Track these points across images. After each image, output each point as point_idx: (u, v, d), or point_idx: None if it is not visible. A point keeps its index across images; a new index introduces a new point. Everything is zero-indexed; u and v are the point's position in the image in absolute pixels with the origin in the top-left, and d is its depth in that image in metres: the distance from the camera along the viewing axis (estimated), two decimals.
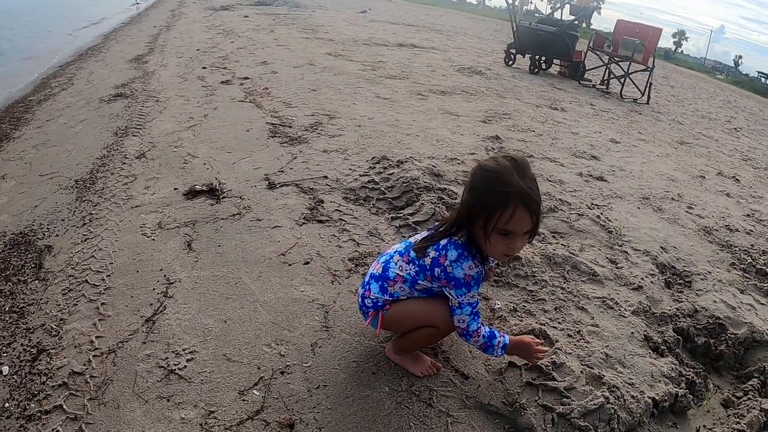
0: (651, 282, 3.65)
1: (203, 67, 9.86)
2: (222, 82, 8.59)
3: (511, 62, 14.44)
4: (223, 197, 4.24)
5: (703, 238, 4.60)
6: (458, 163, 5.31)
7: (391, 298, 2.43)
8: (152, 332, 2.60)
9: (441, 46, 15.54)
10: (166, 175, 4.77)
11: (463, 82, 10.27)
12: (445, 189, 4.53)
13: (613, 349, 2.95)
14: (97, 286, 3.03)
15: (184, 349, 2.47)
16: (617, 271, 3.78)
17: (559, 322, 3.18)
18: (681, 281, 3.80)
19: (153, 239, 3.54)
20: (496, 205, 2.09)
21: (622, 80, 13.24)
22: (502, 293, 3.42)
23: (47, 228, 3.89)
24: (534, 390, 2.60)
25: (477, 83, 10.33)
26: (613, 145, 7.43)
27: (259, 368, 2.39)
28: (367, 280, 2.49)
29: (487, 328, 2.39)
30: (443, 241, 2.28)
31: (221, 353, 2.44)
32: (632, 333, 3.11)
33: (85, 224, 3.86)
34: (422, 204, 4.27)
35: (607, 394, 2.57)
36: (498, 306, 3.28)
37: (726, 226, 4.94)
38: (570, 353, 2.87)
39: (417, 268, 2.37)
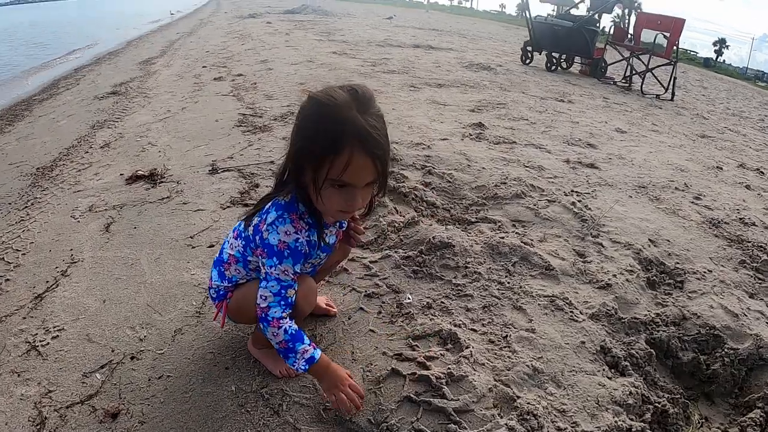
0: (626, 280, 2.91)
1: (203, 66, 9.90)
2: (215, 78, 8.54)
3: (528, 60, 13.48)
4: (161, 182, 4.13)
5: (707, 232, 3.79)
6: (423, 148, 4.75)
7: (230, 284, 2.07)
8: (36, 308, 2.53)
9: (459, 48, 14.83)
10: (119, 162, 4.71)
11: (467, 76, 9.62)
12: (392, 172, 3.91)
13: (547, 363, 2.24)
14: (9, 263, 2.99)
15: (54, 327, 2.37)
16: (583, 266, 3.04)
17: (483, 324, 2.47)
18: (670, 281, 3.04)
19: (78, 221, 3.47)
20: (327, 149, 1.62)
21: (642, 75, 11.98)
22: (420, 286, 2.75)
23: None
24: (414, 408, 1.94)
25: (481, 78, 9.67)
26: (617, 134, 6.60)
27: (112, 351, 2.21)
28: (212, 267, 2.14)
29: (296, 328, 1.86)
30: (268, 204, 1.87)
31: (85, 333, 2.32)
32: (582, 342, 2.40)
33: (26, 207, 3.86)
34: None
35: (514, 423, 1.87)
36: (408, 300, 2.60)
37: (740, 219, 4.08)
38: (482, 364, 2.18)
39: (244, 242, 1.99)
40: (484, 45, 17.85)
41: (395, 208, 3.50)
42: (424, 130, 5.57)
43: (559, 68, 13.22)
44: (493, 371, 2.14)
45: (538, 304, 2.65)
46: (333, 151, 1.60)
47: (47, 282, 2.74)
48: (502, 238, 3.16)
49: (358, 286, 2.72)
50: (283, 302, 1.83)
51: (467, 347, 2.23)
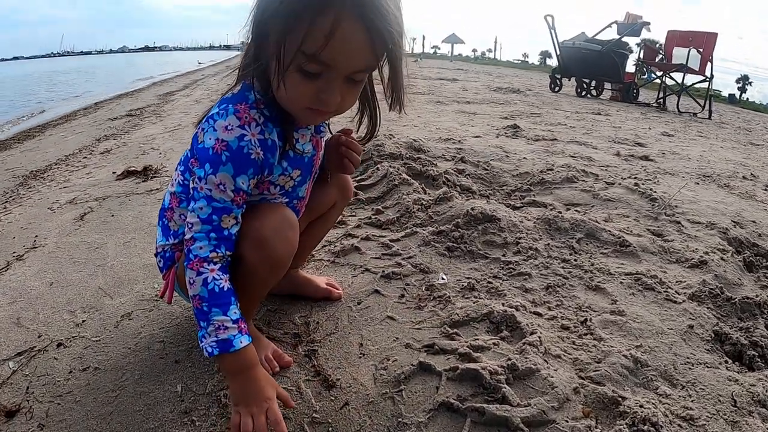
0: (721, 258, 2.21)
1: (222, 94, 9.12)
2: None
3: (557, 88, 12.79)
4: (154, 176, 3.66)
5: None
6: (453, 143, 4.10)
7: (176, 240, 1.45)
8: None
9: (485, 80, 14.19)
10: (115, 163, 4.29)
11: (496, 97, 9.05)
12: (418, 158, 3.23)
13: (651, 353, 1.51)
14: None
15: None
16: (664, 244, 2.31)
17: (549, 307, 1.73)
18: None
19: (54, 212, 3.04)
20: (305, 5, 1.04)
21: (678, 94, 11.18)
22: (457, 266, 2.02)
23: None
24: (456, 420, 1.21)
25: (510, 98, 9.07)
26: (664, 137, 5.97)
27: (39, 337, 1.71)
28: None
29: (225, 285, 1.22)
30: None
31: (17, 316, 1.84)
32: (690, 327, 1.67)
33: (6, 202, 3.52)
34: (377, 170, 2.86)
35: None
36: (443, 281, 1.85)
37: None
38: (557, 356, 1.44)
39: (182, 167, 1.43)
40: (510, 79, 17.26)
41: (422, 187, 2.76)
42: (454, 131, 4.95)
43: (589, 95, 12.48)
44: (575, 365, 1.41)
45: (621, 283, 1.92)
46: (312, 8, 1.03)
47: None
48: (560, 213, 2.39)
49: (373, 267, 2.02)
50: (213, 234, 1.21)
51: (533, 333, 1.47)
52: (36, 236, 2.61)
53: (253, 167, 1.20)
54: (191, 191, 1.22)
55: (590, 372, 1.35)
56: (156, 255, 1.50)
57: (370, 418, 1.26)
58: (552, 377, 1.28)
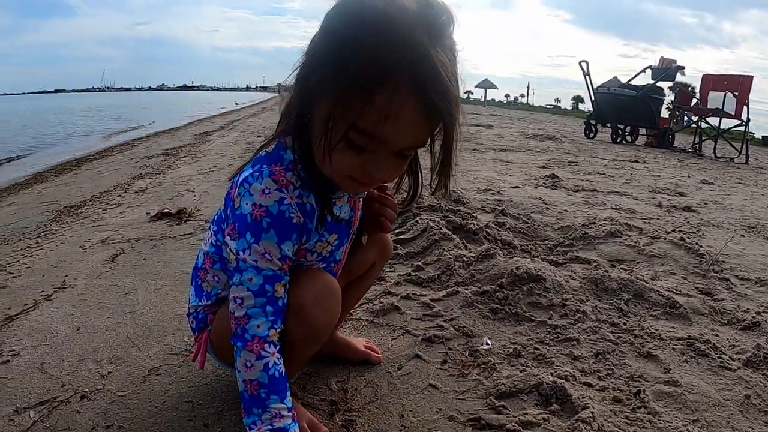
0: None
1: (258, 136, 9.53)
2: None
3: (592, 134, 12.69)
4: (187, 220, 3.63)
5: None
6: (492, 194, 4.05)
7: (209, 301, 1.38)
8: (1, 330, 2.04)
9: (520, 126, 14.22)
10: (149, 203, 4.28)
11: (532, 144, 9.02)
12: (458, 210, 3.17)
13: (710, 428, 1.41)
14: None
15: (9, 351, 1.86)
16: (714, 304, 2.21)
17: (599, 377, 1.63)
18: None
19: (85, 251, 3.01)
20: (365, 80, 0.96)
21: (714, 138, 10.95)
22: (501, 329, 1.95)
23: (2, 237, 3.60)
24: None
25: (546, 145, 9.03)
26: (704, 185, 5.86)
27: (62, 386, 1.63)
28: None
29: (282, 371, 1.15)
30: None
31: (41, 362, 1.78)
32: (747, 397, 1.56)
33: (38, 237, 3.50)
34: (417, 222, 2.82)
35: None
36: (487, 346, 1.77)
37: None
38: None
39: (215, 227, 1.35)
40: (544, 125, 17.22)
41: (463, 243, 2.69)
42: (492, 180, 4.91)
43: (624, 141, 12.35)
44: None
45: (673, 349, 1.83)
46: (372, 85, 0.95)
47: (26, 305, 2.26)
48: (606, 272, 2.30)
49: (413, 329, 1.94)
50: (270, 308, 1.13)
51: (585, 407, 1.37)
52: (66, 276, 2.58)
53: (296, 232, 1.14)
54: (236, 262, 1.14)
55: None
56: (188, 315, 1.44)
57: None
58: None
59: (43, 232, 3.67)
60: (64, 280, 2.52)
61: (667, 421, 1.38)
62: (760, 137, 15.66)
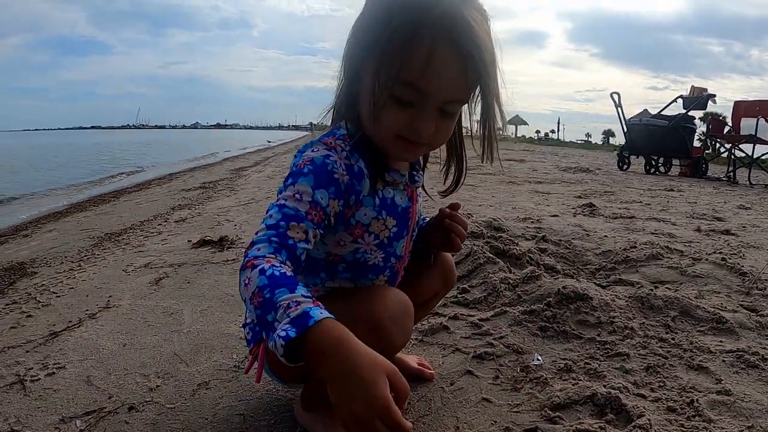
0: None
1: None
2: None
3: (625, 166, 12.56)
4: (230, 247, 3.68)
5: None
6: (532, 222, 4.04)
7: None
8: (45, 344, 2.08)
9: (552, 160, 14.10)
10: (190, 232, 4.36)
11: (566, 176, 9.00)
12: (499, 237, 3.17)
13: None
14: (39, 302, 2.62)
15: (55, 363, 1.89)
16: (760, 319, 2.16)
17: (652, 389, 1.62)
18: None
19: (128, 274, 3.07)
20: (400, 36, 1.04)
21: (749, 165, 10.74)
22: (551, 346, 1.95)
23: (44, 260, 3.74)
24: None
25: (581, 178, 9.01)
26: (742, 210, 5.75)
27: (110, 398, 1.65)
28: None
29: (284, 270, 0.96)
30: None
31: (87, 374, 1.81)
32: None
33: (80, 261, 3.58)
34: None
35: None
36: (539, 362, 1.77)
37: None
38: None
39: None
40: (576, 159, 17.09)
41: (507, 266, 2.69)
42: (530, 210, 4.89)
43: (657, 172, 12.22)
44: None
45: (723, 361, 1.80)
46: (408, 38, 1.02)
47: (70, 322, 2.31)
48: (652, 291, 2.29)
49: (463, 347, 1.95)
50: (276, 238, 1.02)
51: (640, 416, 1.37)
52: (110, 296, 2.63)
53: (335, 187, 1.13)
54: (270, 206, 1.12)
55: None
56: (244, 326, 1.40)
57: None
58: None
59: (85, 256, 3.76)
60: (108, 300, 2.57)
61: (723, 428, 1.37)
62: None
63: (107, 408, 1.59)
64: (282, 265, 0.97)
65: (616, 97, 12.52)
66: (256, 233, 1.04)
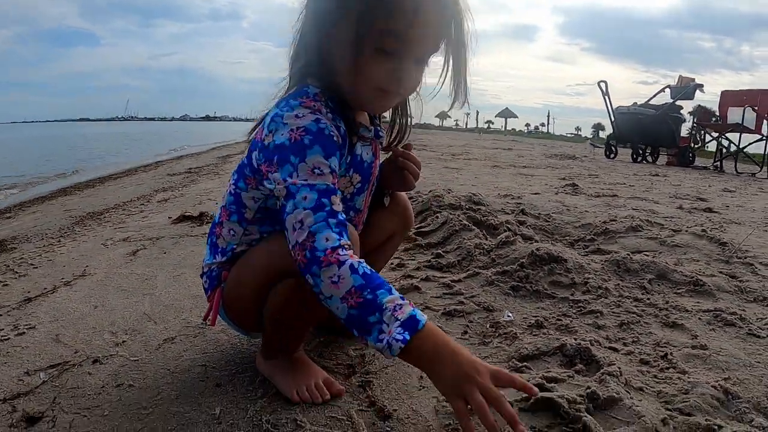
0: None
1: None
2: None
3: (612, 155, 12.57)
4: (209, 222, 3.63)
5: None
6: (512, 198, 3.98)
7: (224, 257, 1.32)
8: (18, 309, 2.05)
9: (540, 149, 14.10)
10: (171, 210, 4.28)
11: (552, 162, 8.98)
12: (478, 209, 3.13)
13: (743, 384, 1.35)
14: (16, 272, 2.58)
15: (25, 324, 1.86)
16: (740, 284, 2.14)
17: (624, 343, 1.59)
18: None
19: (107, 248, 3.03)
20: None
21: (735, 155, 10.82)
22: (523, 305, 1.91)
23: (25, 237, 3.69)
24: None
25: (567, 164, 8.97)
26: (726, 193, 5.77)
27: (75, 353, 1.63)
28: None
29: (365, 266, 1.03)
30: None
31: (56, 333, 1.79)
32: None
33: (61, 237, 3.54)
34: (437, 218, 2.78)
35: None
36: (509, 317, 1.72)
37: None
38: (639, 389, 1.28)
39: (236, 175, 1.30)
40: (564, 149, 17.13)
41: (483, 234, 2.65)
42: (512, 189, 4.87)
43: (645, 161, 12.22)
44: (660, 398, 1.26)
45: (699, 319, 1.78)
46: None
47: (45, 288, 2.26)
48: (628, 254, 2.25)
49: (433, 305, 1.92)
50: (332, 219, 1.04)
51: (610, 364, 1.32)
52: (86, 266, 2.59)
53: (338, 150, 1.12)
54: (285, 191, 1.07)
55: (677, 404, 1.20)
56: (202, 275, 1.39)
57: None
58: (638, 406, 1.14)
59: (65, 233, 3.70)
60: (85, 270, 2.52)
61: (697, 379, 1.33)
62: None
63: (72, 361, 1.56)
64: (361, 260, 1.03)
65: (603, 85, 12.51)
66: (301, 221, 1.03)
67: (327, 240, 1.01)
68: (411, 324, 0.97)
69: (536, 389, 1.00)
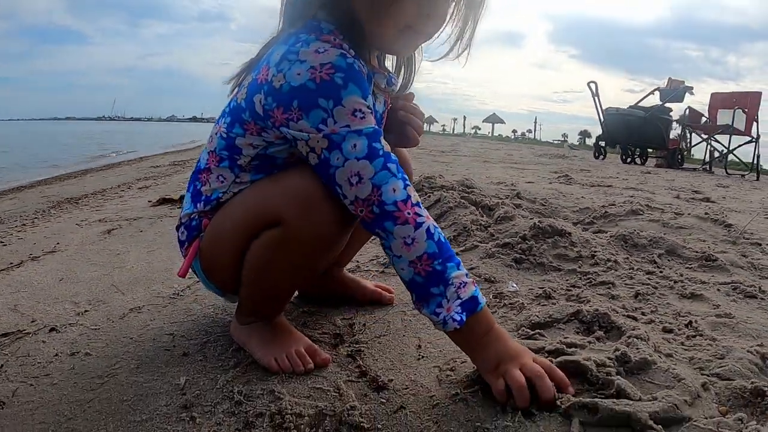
0: None
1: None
2: None
3: (601, 156, 12.46)
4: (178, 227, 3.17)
5: None
6: (505, 185, 3.83)
7: (207, 206, 1.15)
8: None
9: (528, 150, 13.97)
10: (151, 195, 4.12)
11: (542, 161, 8.85)
12: (471, 191, 2.97)
13: None
14: None
15: None
16: (753, 261, 2.00)
17: (643, 313, 1.44)
18: None
19: (81, 227, 2.89)
20: None
21: (725, 156, 10.74)
22: (527, 277, 1.76)
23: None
24: (555, 422, 0.90)
25: (557, 162, 8.84)
26: (720, 188, 5.74)
27: (32, 321, 1.47)
28: None
29: (440, 232, 1.01)
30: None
31: (15, 303, 1.62)
32: None
33: (35, 219, 3.39)
34: (429, 197, 2.67)
35: None
36: (514, 288, 1.58)
37: None
38: (669, 355, 1.13)
39: (228, 118, 1.12)
40: (553, 151, 17.12)
41: (479, 211, 2.50)
42: (505, 178, 4.75)
43: (634, 162, 12.15)
44: (693, 363, 1.11)
45: (718, 290, 1.64)
46: None
47: (11, 263, 2.11)
48: (635, 230, 2.11)
49: None
50: (391, 164, 0.97)
51: (635, 329, 1.17)
52: (57, 243, 2.44)
53: (368, 84, 1.00)
54: (324, 142, 0.95)
55: (714, 369, 1.05)
56: (178, 228, 1.22)
57: (436, 424, 0.95)
58: (675, 368, 0.99)
59: (41, 215, 3.56)
60: (55, 246, 2.38)
61: (732, 344, 1.17)
62: None
63: (27, 330, 1.41)
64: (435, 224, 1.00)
65: (593, 86, 12.40)
66: (358, 174, 0.95)
67: (394, 191, 0.96)
68: (470, 305, 0.97)
69: (573, 390, 0.95)
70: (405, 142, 1.28)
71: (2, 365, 1.20)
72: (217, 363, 1.18)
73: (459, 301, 0.97)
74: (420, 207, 0.98)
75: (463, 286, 0.98)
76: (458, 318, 0.96)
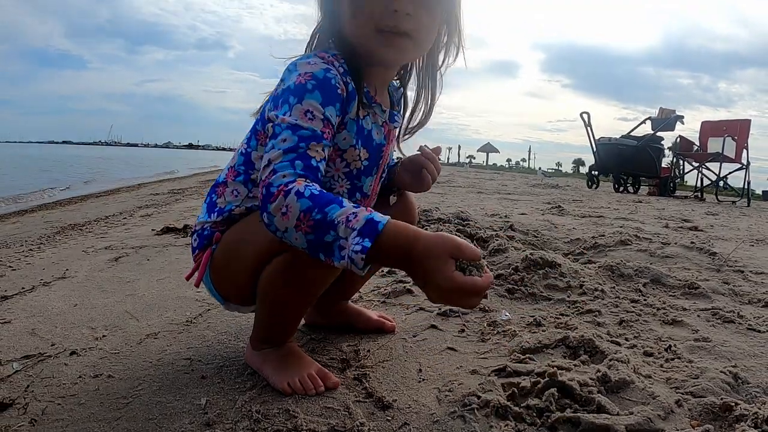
0: None
1: None
2: None
3: (594, 185, 12.64)
4: (192, 234, 3.15)
5: None
6: (499, 217, 3.97)
7: (220, 217, 1.25)
8: None
9: (522, 180, 14.19)
10: (154, 224, 4.19)
11: (536, 191, 9.06)
12: (467, 224, 3.10)
13: (749, 372, 1.32)
14: None
15: (0, 319, 1.77)
16: (734, 288, 2.15)
17: (626, 338, 1.56)
18: None
19: (88, 254, 2.93)
20: None
21: (716, 183, 10.92)
22: (519, 306, 1.88)
23: (3, 243, 3.53)
24: None
25: (550, 192, 9.05)
26: (710, 216, 5.90)
27: (52, 345, 1.54)
28: None
29: (318, 188, 0.98)
30: None
31: (33, 328, 1.69)
32: None
33: (40, 245, 3.40)
34: (426, 230, 2.71)
35: None
36: (506, 317, 1.68)
37: None
38: (648, 376, 1.25)
39: (250, 133, 1.25)
40: (547, 181, 17.32)
41: (475, 244, 2.61)
42: (499, 210, 4.88)
43: (626, 191, 12.32)
44: (670, 383, 1.22)
45: (698, 316, 1.77)
46: None
47: (23, 288, 2.17)
48: (622, 260, 2.23)
49: (427, 306, 1.86)
50: (299, 162, 1.01)
51: (616, 353, 1.28)
52: (67, 269, 2.51)
53: (339, 103, 1.10)
54: (272, 129, 1.06)
55: (689, 388, 1.17)
56: (192, 234, 1.34)
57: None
58: (651, 388, 1.10)
59: (46, 240, 3.61)
60: (65, 272, 2.44)
61: (706, 365, 1.29)
62: (761, 192, 15.59)
63: (48, 353, 1.48)
64: (314, 183, 0.97)
65: (586, 116, 12.63)
66: (270, 161, 1.00)
67: (284, 177, 0.98)
68: (369, 229, 0.90)
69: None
70: (418, 185, 1.41)
71: (28, 386, 1.28)
72: (234, 385, 1.27)
73: (354, 232, 0.90)
74: (292, 183, 0.97)
75: (354, 217, 0.91)
76: (359, 248, 0.89)
